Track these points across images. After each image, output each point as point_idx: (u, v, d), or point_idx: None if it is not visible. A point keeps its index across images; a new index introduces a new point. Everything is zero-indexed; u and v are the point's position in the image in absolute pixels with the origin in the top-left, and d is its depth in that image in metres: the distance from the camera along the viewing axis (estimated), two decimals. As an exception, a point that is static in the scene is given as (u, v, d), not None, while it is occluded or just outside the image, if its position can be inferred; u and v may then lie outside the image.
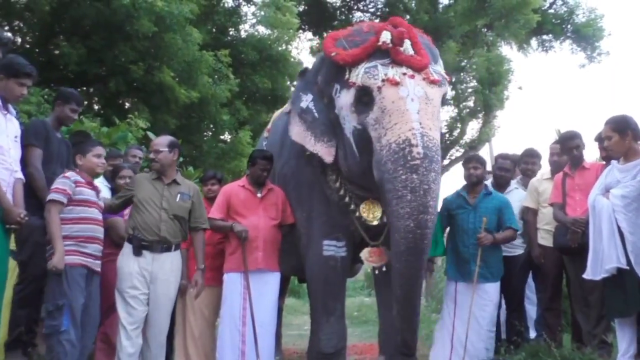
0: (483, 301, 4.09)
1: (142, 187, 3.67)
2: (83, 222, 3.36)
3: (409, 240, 3.13)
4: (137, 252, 3.54)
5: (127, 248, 3.59)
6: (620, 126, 3.53)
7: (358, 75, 3.42)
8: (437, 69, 3.60)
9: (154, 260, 3.56)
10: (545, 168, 4.85)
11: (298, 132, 3.78)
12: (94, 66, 8.79)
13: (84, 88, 9.79)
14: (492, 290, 4.16)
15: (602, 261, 3.47)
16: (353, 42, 3.55)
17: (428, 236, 3.20)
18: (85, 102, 9.94)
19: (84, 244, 3.34)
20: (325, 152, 3.67)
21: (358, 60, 3.46)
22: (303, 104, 3.80)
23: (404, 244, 3.15)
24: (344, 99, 3.53)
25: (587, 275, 3.58)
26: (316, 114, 3.74)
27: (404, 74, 3.36)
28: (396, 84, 3.30)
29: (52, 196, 3.29)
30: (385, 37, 3.44)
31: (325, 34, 16.31)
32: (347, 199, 3.82)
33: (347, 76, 3.49)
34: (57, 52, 8.51)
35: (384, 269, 3.86)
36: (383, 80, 3.32)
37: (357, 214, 3.81)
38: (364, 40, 3.52)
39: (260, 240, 3.96)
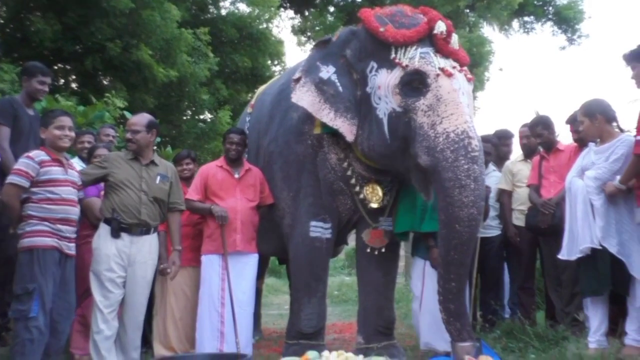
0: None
1: (119, 167, 3.57)
2: (54, 203, 3.18)
3: (472, 227, 3.17)
4: (116, 235, 3.47)
5: (104, 229, 3.51)
6: (589, 110, 3.60)
7: (413, 58, 3.34)
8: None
9: (132, 243, 3.51)
10: (519, 150, 4.94)
11: (312, 103, 3.62)
12: (70, 43, 8.60)
13: (60, 65, 9.59)
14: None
15: (577, 242, 3.55)
16: (400, 23, 3.46)
17: (480, 223, 3.32)
18: (62, 80, 9.80)
19: (57, 225, 3.17)
20: (347, 129, 3.57)
21: (409, 41, 3.38)
22: (323, 75, 3.63)
23: (467, 233, 3.16)
24: (384, 78, 3.43)
25: (563, 255, 3.66)
26: (340, 88, 3.60)
27: (454, 67, 3.38)
28: (450, 75, 3.30)
29: (10, 179, 3.13)
30: (442, 27, 3.40)
31: (307, 13, 16.21)
32: (353, 180, 3.81)
33: (392, 55, 3.40)
34: (32, 28, 8.27)
35: (383, 250, 3.91)
36: (440, 69, 3.30)
37: (361, 195, 3.82)
38: (414, 24, 3.44)
39: (238, 222, 3.95)
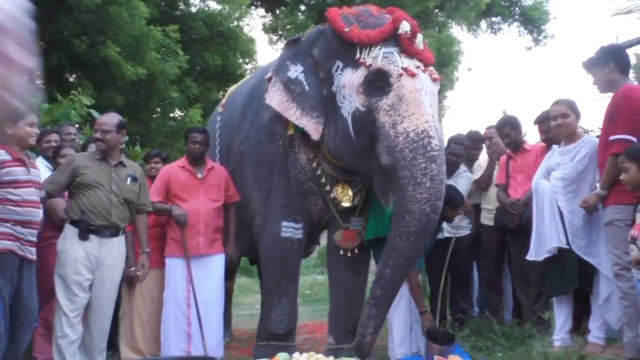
0: None
1: (87, 168, 3.48)
2: (16, 204, 3.04)
3: (422, 222, 3.16)
4: (84, 237, 3.39)
5: (71, 231, 3.42)
6: (576, 108, 3.67)
7: (377, 58, 3.34)
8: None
9: (101, 245, 3.44)
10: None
11: (280, 102, 3.63)
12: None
13: (23, 61, 9.32)
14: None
15: (544, 242, 3.61)
16: (365, 23, 3.47)
17: (436, 222, 3.29)
18: (25, 77, 9.53)
19: (19, 227, 3.05)
20: (312, 128, 3.56)
21: (373, 41, 3.39)
22: (291, 74, 3.64)
23: (416, 225, 3.16)
24: (349, 77, 3.44)
25: (531, 256, 3.72)
26: (306, 87, 3.60)
27: (418, 67, 3.38)
28: (413, 75, 3.30)
29: None
30: (406, 27, 3.40)
31: (278, 12, 16.15)
32: (323, 180, 3.80)
33: (357, 55, 3.41)
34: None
35: (356, 251, 3.90)
36: (403, 69, 3.30)
37: (332, 195, 3.81)
38: (379, 24, 3.44)
39: (201, 224, 3.90)
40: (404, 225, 3.19)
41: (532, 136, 5.41)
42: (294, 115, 3.58)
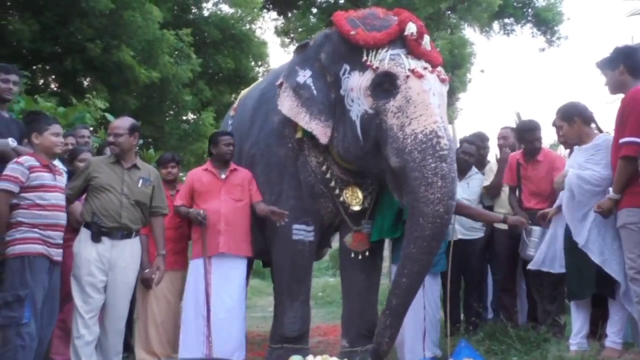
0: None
1: (101, 171, 3.53)
2: (44, 208, 3.18)
3: (436, 225, 3.13)
4: (96, 239, 3.44)
5: (85, 234, 3.47)
6: (566, 114, 3.63)
7: (383, 60, 3.35)
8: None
9: (112, 247, 3.48)
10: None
11: (290, 107, 3.67)
12: (49, 43, 8.46)
13: (40, 66, 9.44)
14: (427, 281, 3.75)
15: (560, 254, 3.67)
16: (371, 26, 3.48)
17: (449, 223, 3.27)
18: (41, 81, 9.64)
19: (47, 231, 3.17)
20: (320, 131, 3.58)
21: (380, 44, 3.39)
22: (300, 79, 3.67)
23: (430, 229, 3.12)
24: (356, 80, 3.45)
25: (540, 265, 3.81)
26: (314, 91, 3.63)
27: (425, 68, 3.37)
28: (420, 76, 3.29)
29: (1, 185, 3.10)
30: (412, 28, 3.40)
31: (290, 15, 16.19)
32: (332, 183, 3.80)
33: (364, 58, 3.41)
34: (10, 27, 8.13)
35: (367, 254, 3.89)
36: (410, 70, 3.29)
37: (341, 198, 3.81)
38: (385, 26, 3.45)
39: (222, 224, 3.89)
40: (418, 230, 3.16)
41: (548, 137, 5.34)
42: (303, 119, 3.61)
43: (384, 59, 3.35)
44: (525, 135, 4.37)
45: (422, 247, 3.17)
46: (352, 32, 3.45)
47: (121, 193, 3.52)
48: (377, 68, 3.35)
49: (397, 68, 3.32)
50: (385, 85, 3.34)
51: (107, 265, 3.46)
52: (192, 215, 3.87)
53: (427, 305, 3.79)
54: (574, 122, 3.59)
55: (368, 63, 3.39)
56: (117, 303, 3.52)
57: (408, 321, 3.62)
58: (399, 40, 3.43)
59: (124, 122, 3.67)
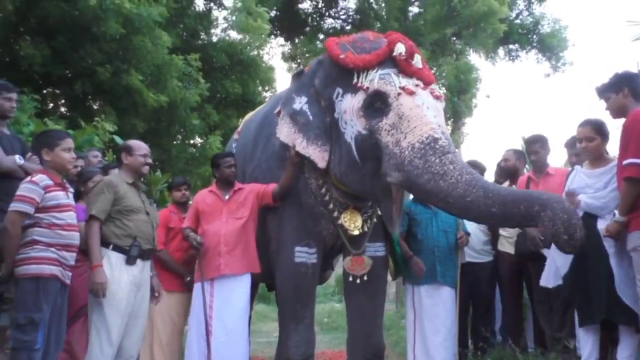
0: (434, 301, 4.10)
1: (127, 192, 3.50)
2: (61, 228, 3.09)
3: (474, 195, 2.89)
4: (132, 262, 3.41)
5: (116, 257, 3.40)
6: (602, 130, 3.55)
7: (373, 80, 3.36)
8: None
9: (143, 269, 3.50)
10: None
11: (288, 134, 3.70)
12: (59, 67, 8.59)
13: (49, 89, 9.57)
14: (445, 294, 4.13)
15: (558, 268, 3.55)
16: (361, 48, 3.51)
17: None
18: (51, 105, 9.76)
19: (62, 252, 3.09)
20: (318, 156, 3.60)
21: (369, 65, 3.42)
22: (296, 106, 3.72)
23: (471, 198, 2.89)
24: (349, 102, 3.46)
25: (546, 282, 3.70)
26: (310, 117, 3.66)
27: (417, 85, 3.37)
28: (412, 93, 3.29)
29: (15, 206, 3.00)
30: (401, 48, 3.41)
31: (297, 40, 16.41)
32: (331, 206, 3.80)
33: (354, 80, 3.43)
34: (21, 52, 8.27)
35: (365, 278, 3.86)
36: (401, 88, 3.30)
37: (340, 222, 3.80)
38: (375, 48, 3.48)
39: (221, 245, 3.88)
40: (481, 206, 2.88)
41: (556, 159, 5.34)
42: (300, 145, 3.63)
43: (374, 79, 3.37)
44: (528, 147, 4.47)
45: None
46: (342, 56, 3.49)
47: (146, 215, 3.55)
48: (367, 88, 3.36)
49: (388, 86, 3.32)
50: (376, 105, 3.34)
51: (137, 288, 3.46)
52: (190, 239, 3.88)
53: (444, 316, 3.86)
54: (606, 140, 3.56)
55: (359, 85, 3.41)
56: (138, 324, 3.51)
57: (419, 341, 3.60)
58: (389, 60, 3.44)
59: (146, 146, 3.74)
